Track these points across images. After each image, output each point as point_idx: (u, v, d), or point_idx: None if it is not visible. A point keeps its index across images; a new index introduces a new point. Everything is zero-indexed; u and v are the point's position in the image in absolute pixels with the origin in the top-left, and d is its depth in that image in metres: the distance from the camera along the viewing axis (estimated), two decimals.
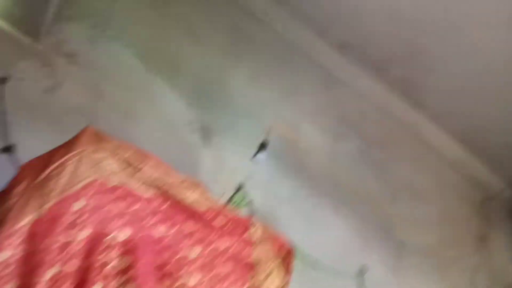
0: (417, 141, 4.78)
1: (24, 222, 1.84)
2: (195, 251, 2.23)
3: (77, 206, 1.95)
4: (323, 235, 3.88)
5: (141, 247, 2.06)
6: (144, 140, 2.91)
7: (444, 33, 3.95)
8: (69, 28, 3.44)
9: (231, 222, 2.41)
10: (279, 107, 4.10)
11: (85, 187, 2.00)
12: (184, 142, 3.58)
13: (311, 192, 3.98)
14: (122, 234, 2.04)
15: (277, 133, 3.91)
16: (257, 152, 3.78)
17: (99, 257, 1.95)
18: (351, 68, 4.42)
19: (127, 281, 2.00)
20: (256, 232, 2.48)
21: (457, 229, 4.69)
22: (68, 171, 1.98)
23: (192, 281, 2.16)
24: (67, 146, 2.06)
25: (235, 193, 3.54)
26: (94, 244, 1.96)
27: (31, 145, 2.41)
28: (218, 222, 2.37)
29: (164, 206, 2.23)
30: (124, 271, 2.01)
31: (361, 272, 3.91)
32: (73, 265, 1.89)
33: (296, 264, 2.84)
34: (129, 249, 2.04)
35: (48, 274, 1.81)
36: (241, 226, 2.44)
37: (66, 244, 1.89)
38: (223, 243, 2.34)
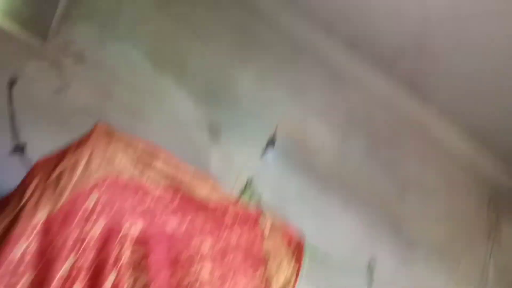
0: (426, 137, 4.77)
1: (38, 217, 1.86)
2: (207, 244, 2.25)
3: (90, 201, 1.98)
4: (332, 232, 3.88)
5: (153, 240, 2.09)
6: (153, 139, 2.91)
7: (452, 28, 3.93)
8: (77, 28, 3.45)
9: (241, 215, 2.43)
10: (287, 105, 4.10)
11: (97, 183, 2.02)
12: (192, 141, 3.59)
13: (319, 189, 3.99)
14: (135, 228, 2.07)
15: (285, 131, 3.92)
16: (266, 149, 3.80)
17: (113, 250, 1.97)
18: (358, 65, 4.41)
19: (140, 273, 2.02)
20: (266, 224, 2.49)
21: (466, 224, 4.69)
22: (81, 167, 2.01)
23: (204, 273, 2.18)
24: (79, 143, 2.08)
25: (244, 191, 3.55)
26: (108, 238, 1.98)
27: (40, 145, 2.43)
28: (229, 215, 2.38)
29: (176, 200, 2.25)
30: (137, 263, 2.03)
31: (370, 267, 3.91)
32: (87, 258, 1.91)
33: (306, 260, 2.84)
34: (142, 242, 2.07)
35: (64, 267, 1.84)
36: (251, 219, 2.46)
37: (81, 238, 1.92)
38: (234, 236, 2.35)
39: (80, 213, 1.93)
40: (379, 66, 4.41)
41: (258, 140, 3.84)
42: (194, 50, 3.84)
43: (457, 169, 4.88)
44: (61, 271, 1.83)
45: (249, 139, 3.81)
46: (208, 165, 3.53)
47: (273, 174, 3.81)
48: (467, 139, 4.85)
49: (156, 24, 3.76)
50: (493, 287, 4.58)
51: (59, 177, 1.95)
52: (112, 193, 2.04)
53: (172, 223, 2.19)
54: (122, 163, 2.13)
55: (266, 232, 2.48)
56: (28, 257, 1.80)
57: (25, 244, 1.80)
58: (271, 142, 3.83)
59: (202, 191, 2.33)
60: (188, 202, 2.28)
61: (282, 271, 2.46)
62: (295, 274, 2.55)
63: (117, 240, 2.00)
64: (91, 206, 1.97)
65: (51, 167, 1.98)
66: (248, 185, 3.61)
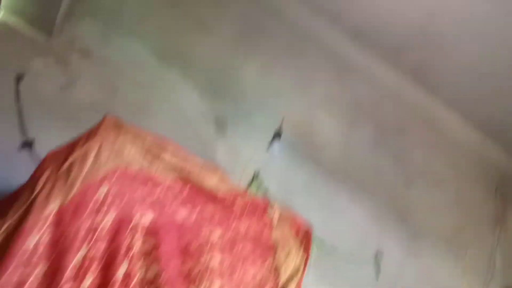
0: (432, 126, 4.77)
1: (50, 209, 1.88)
2: (216, 233, 2.27)
3: (100, 192, 2.00)
4: (339, 222, 3.90)
5: (164, 230, 2.11)
6: (159, 133, 2.93)
7: (458, 17, 3.92)
8: (82, 24, 3.48)
9: (250, 204, 2.45)
10: (293, 97, 4.11)
11: (107, 174, 2.04)
12: (198, 134, 3.61)
13: (326, 180, 4.00)
14: (145, 218, 2.09)
15: (291, 123, 3.93)
16: (272, 141, 3.81)
17: (124, 240, 2.00)
18: (364, 55, 4.41)
19: (151, 263, 2.05)
20: (274, 214, 2.51)
21: (473, 212, 4.69)
22: (91, 159, 2.03)
23: (214, 262, 2.20)
24: (88, 135, 2.10)
25: (251, 183, 3.57)
26: (119, 228, 2.00)
27: (48, 140, 2.44)
28: (238, 205, 2.40)
29: (185, 191, 2.26)
30: (148, 253, 2.06)
31: (377, 257, 3.92)
32: (99, 248, 1.93)
33: (313, 250, 2.85)
34: (152, 232, 2.09)
35: (76, 257, 1.86)
36: (260, 208, 2.47)
37: (93, 227, 1.94)
38: (243, 225, 2.37)
39: (91, 205, 1.95)
40: (385, 57, 4.40)
41: (264, 133, 3.85)
42: (198, 44, 3.85)
43: (464, 159, 4.89)
44: (74, 261, 1.86)
45: (255, 131, 3.83)
46: (214, 158, 3.54)
47: (279, 167, 3.82)
48: (473, 129, 4.85)
49: (160, 19, 3.78)
50: (501, 275, 4.58)
51: (69, 169, 1.97)
52: (122, 185, 2.06)
53: (182, 213, 2.21)
54: (131, 154, 2.15)
55: (275, 222, 2.49)
56: (41, 248, 1.82)
57: (37, 236, 1.82)
58: (277, 135, 3.84)
59: (211, 182, 2.34)
60: (197, 193, 2.30)
61: (290, 261, 2.48)
62: (303, 264, 2.56)
63: (128, 230, 2.02)
64: (101, 197, 1.99)
65: (62, 159, 2.00)
66: (255, 178, 3.63)
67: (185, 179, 2.27)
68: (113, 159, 2.08)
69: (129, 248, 2.00)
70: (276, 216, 2.51)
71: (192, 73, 3.76)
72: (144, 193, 2.12)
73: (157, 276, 2.04)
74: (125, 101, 3.36)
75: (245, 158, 3.69)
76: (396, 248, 4.10)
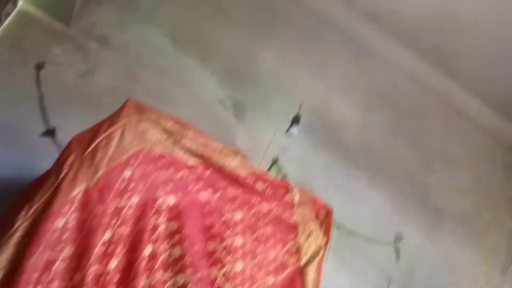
0: (450, 109, 4.75)
1: (76, 192, 1.91)
2: (239, 214, 2.28)
3: (125, 175, 2.02)
4: (358, 206, 3.90)
5: (187, 211, 2.13)
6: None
7: (475, 2, 3.89)
8: (99, 11, 3.50)
9: (271, 186, 2.45)
10: (310, 81, 4.11)
11: (131, 157, 2.06)
12: (217, 120, 3.62)
13: (345, 164, 4.00)
14: (169, 200, 2.11)
15: (309, 107, 3.93)
16: (290, 126, 3.82)
17: (149, 222, 2.02)
18: (381, 39, 4.39)
19: (175, 245, 2.07)
20: (295, 196, 2.51)
21: (492, 194, 4.66)
22: (115, 142, 2.04)
23: (237, 242, 2.22)
24: (112, 119, 2.12)
25: (270, 167, 3.58)
26: (144, 210, 2.03)
27: (69, 127, 2.46)
28: (259, 186, 2.41)
29: (207, 173, 2.28)
30: (172, 234, 2.08)
31: (397, 240, 3.92)
32: (124, 231, 1.96)
33: (333, 233, 2.85)
34: (175, 214, 2.11)
35: (102, 239, 1.88)
36: (280, 191, 2.48)
37: (118, 210, 1.96)
38: (265, 206, 2.39)
39: (115, 188, 1.97)
40: (403, 41, 4.38)
41: (283, 118, 3.86)
42: (215, 29, 3.86)
43: (482, 141, 4.86)
44: (100, 244, 1.88)
45: (274, 117, 3.84)
46: (233, 144, 3.55)
47: (298, 151, 3.83)
48: (492, 111, 4.82)
49: (177, 5, 3.79)
50: None
51: (94, 153, 1.99)
52: (145, 167, 2.08)
53: (204, 196, 2.23)
54: (154, 137, 2.17)
55: (295, 204, 2.50)
56: (67, 231, 1.85)
57: (64, 219, 1.85)
58: (296, 119, 3.84)
59: (231, 165, 2.35)
60: (219, 175, 2.31)
61: (311, 243, 2.48)
62: (323, 246, 2.56)
63: (152, 213, 2.04)
64: (126, 180, 2.01)
65: (86, 143, 2.02)
66: (274, 162, 3.64)
67: (207, 162, 2.29)
68: (136, 142, 2.10)
69: (153, 231, 2.03)
70: (296, 198, 2.51)
71: (209, 59, 3.77)
72: (167, 176, 2.14)
73: (181, 257, 2.06)
74: (144, 88, 3.38)
75: (264, 143, 3.69)
76: (415, 231, 4.09)
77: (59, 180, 1.91)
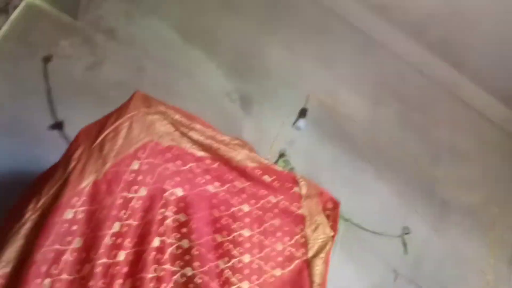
0: (458, 101, 4.74)
1: (85, 184, 1.91)
2: (246, 207, 2.29)
3: (133, 166, 2.02)
4: (366, 199, 3.90)
5: (195, 204, 2.14)
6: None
7: None
8: (106, 4, 3.52)
9: (278, 178, 2.45)
10: (318, 74, 4.11)
11: (139, 149, 2.06)
12: (224, 113, 3.63)
13: (352, 157, 4.00)
14: (177, 192, 2.12)
15: (316, 100, 3.92)
16: (297, 119, 3.82)
17: (156, 215, 2.02)
18: (388, 31, 4.38)
19: (183, 236, 2.08)
20: (302, 188, 2.51)
21: (500, 187, 4.65)
22: (123, 134, 2.04)
23: (244, 235, 2.23)
24: (120, 111, 2.11)
25: (277, 160, 3.58)
26: (152, 202, 2.03)
27: (76, 120, 2.46)
28: (266, 179, 2.41)
29: (215, 165, 2.28)
30: (180, 226, 2.09)
31: (404, 233, 3.92)
32: (132, 223, 1.96)
33: (341, 226, 2.86)
34: (183, 207, 2.12)
35: (110, 232, 1.89)
36: (288, 183, 2.48)
37: (126, 202, 1.96)
38: (272, 199, 2.39)
39: (123, 180, 1.97)
40: (410, 33, 4.37)
41: (290, 110, 3.86)
42: (222, 22, 3.86)
43: (490, 134, 4.85)
44: (108, 236, 1.88)
45: (281, 109, 3.84)
46: (240, 137, 3.54)
47: (305, 144, 3.83)
48: (500, 103, 4.80)
49: None
50: None
51: (102, 145, 1.99)
52: (153, 160, 2.08)
53: (212, 189, 2.23)
54: (163, 129, 2.17)
55: (303, 197, 2.50)
56: (76, 224, 1.85)
57: (73, 211, 1.85)
58: (303, 112, 3.84)
59: (239, 157, 2.35)
60: (227, 167, 2.31)
61: (318, 236, 2.48)
62: (330, 239, 2.56)
63: (160, 206, 2.05)
64: (134, 173, 2.01)
65: (94, 135, 2.02)
66: (281, 155, 3.64)
67: (215, 154, 2.29)
68: (144, 134, 2.10)
69: (161, 223, 2.03)
70: (304, 191, 2.51)
71: (216, 51, 3.78)
72: (175, 168, 2.14)
73: (188, 250, 2.06)
74: (151, 80, 3.39)
75: (271, 136, 3.70)
76: (422, 224, 4.09)
77: (67, 173, 1.91)
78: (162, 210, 2.05)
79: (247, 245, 2.23)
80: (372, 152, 4.07)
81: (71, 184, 1.88)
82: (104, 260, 1.87)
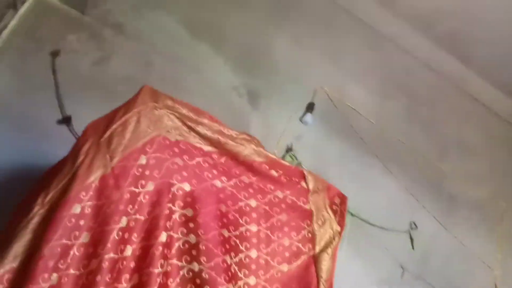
0: (465, 96, 4.73)
1: (92, 178, 1.91)
2: (253, 202, 2.28)
3: (141, 161, 2.02)
4: (373, 193, 3.89)
5: (203, 198, 2.13)
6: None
7: None
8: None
9: (285, 173, 2.44)
10: (325, 68, 4.10)
11: (147, 143, 2.06)
12: (232, 107, 3.63)
13: (360, 152, 3.99)
14: (184, 187, 2.11)
15: (323, 94, 3.91)
16: (305, 114, 3.81)
17: (164, 210, 2.02)
18: (396, 25, 4.36)
19: (190, 232, 2.08)
20: (309, 183, 2.50)
21: (508, 182, 4.64)
22: (130, 129, 2.05)
23: (252, 230, 2.22)
24: (127, 106, 2.12)
25: (284, 155, 3.58)
26: (159, 197, 2.03)
27: (84, 116, 2.46)
28: (273, 173, 2.41)
29: (222, 159, 2.28)
30: (187, 221, 2.09)
31: (411, 228, 3.91)
32: (140, 218, 1.96)
33: (348, 221, 2.85)
34: (190, 202, 2.11)
35: (118, 226, 1.89)
36: (295, 178, 2.47)
37: (134, 197, 1.96)
38: (279, 193, 2.38)
39: (131, 174, 1.98)
40: (418, 27, 4.35)
41: (297, 105, 3.85)
42: (229, 16, 3.85)
43: (497, 128, 4.83)
44: (115, 231, 1.89)
45: (288, 104, 3.83)
46: (248, 131, 3.54)
47: (313, 138, 3.83)
48: (507, 98, 4.77)
49: None
50: None
51: (110, 139, 2.00)
52: (160, 154, 2.07)
53: (219, 184, 2.23)
54: (170, 123, 2.17)
55: (310, 191, 2.49)
56: (84, 217, 1.85)
57: (80, 206, 1.85)
58: (310, 106, 3.84)
59: (246, 150, 2.35)
60: (234, 161, 2.31)
61: (325, 231, 2.48)
62: (338, 234, 2.56)
63: (167, 200, 2.05)
64: (141, 167, 2.01)
65: (102, 129, 2.02)
66: (288, 150, 3.64)
67: (222, 148, 2.29)
68: (152, 128, 2.10)
69: (168, 218, 2.02)
70: (311, 185, 2.51)
71: (223, 46, 3.77)
72: (182, 163, 2.14)
73: (195, 245, 2.06)
74: (158, 75, 3.39)
75: (278, 131, 3.70)
76: (430, 219, 4.08)
77: (75, 167, 1.91)
78: (169, 205, 2.05)
79: (254, 240, 2.22)
80: (380, 147, 4.05)
81: (79, 179, 1.88)
82: (111, 255, 1.87)
